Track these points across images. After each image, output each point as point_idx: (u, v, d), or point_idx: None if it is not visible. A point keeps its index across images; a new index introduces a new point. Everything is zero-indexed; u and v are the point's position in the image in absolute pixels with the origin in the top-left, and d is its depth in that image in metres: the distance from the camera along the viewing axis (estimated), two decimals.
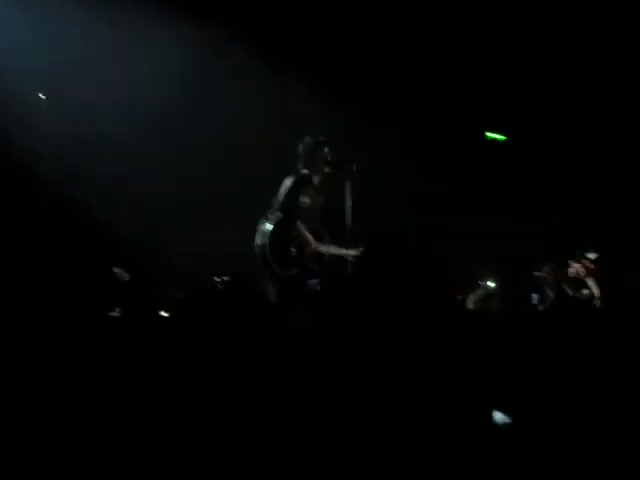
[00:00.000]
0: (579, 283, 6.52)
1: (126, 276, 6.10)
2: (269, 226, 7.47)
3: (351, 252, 7.38)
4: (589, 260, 6.48)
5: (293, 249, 7.54)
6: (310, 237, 7.58)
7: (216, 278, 6.46)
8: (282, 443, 2.98)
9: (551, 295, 6.32)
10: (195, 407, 3.39)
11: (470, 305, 6.51)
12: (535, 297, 6.80)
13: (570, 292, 6.37)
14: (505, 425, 2.90)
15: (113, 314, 5.04)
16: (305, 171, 7.71)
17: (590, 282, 6.44)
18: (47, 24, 8.91)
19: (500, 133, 9.85)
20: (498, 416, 2.89)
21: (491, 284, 7.17)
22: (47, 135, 8.55)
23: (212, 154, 9.46)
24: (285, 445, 2.94)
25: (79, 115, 8.96)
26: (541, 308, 6.51)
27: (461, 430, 2.74)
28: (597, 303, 6.33)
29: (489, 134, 9.84)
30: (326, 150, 7.67)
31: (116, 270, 6.22)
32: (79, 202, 8.88)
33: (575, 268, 6.49)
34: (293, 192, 7.57)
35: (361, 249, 7.41)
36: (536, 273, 6.45)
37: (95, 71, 9.06)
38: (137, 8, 9.05)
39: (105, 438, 3.34)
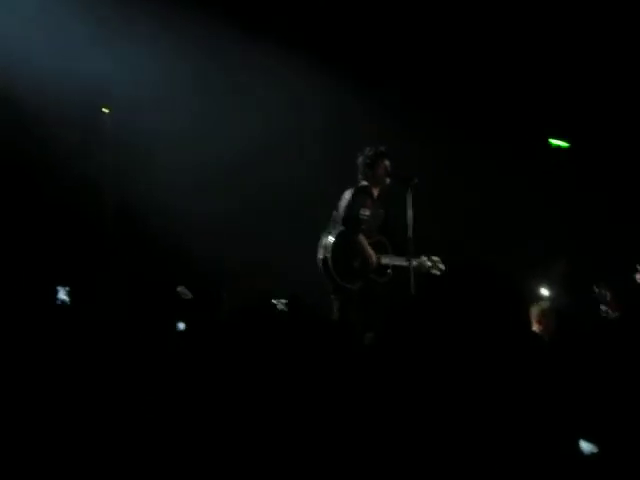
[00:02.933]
0: None
1: (189, 294, 6.13)
2: (331, 239, 7.36)
3: (413, 263, 7.25)
4: None
5: (356, 262, 7.39)
6: (371, 249, 7.44)
7: (274, 301, 6.42)
8: (348, 456, 2.95)
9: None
10: (257, 418, 3.39)
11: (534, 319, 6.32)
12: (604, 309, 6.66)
13: None
14: (592, 454, 2.79)
15: (177, 330, 5.08)
16: (365, 183, 7.58)
17: None
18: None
19: (564, 140, 9.69)
20: (585, 445, 2.79)
21: (547, 293, 7.01)
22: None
23: (274, 172, 9.49)
24: (351, 457, 2.92)
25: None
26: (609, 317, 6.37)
27: (545, 461, 2.62)
28: None
29: (553, 141, 9.70)
30: (386, 161, 7.53)
31: (179, 289, 6.25)
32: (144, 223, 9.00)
33: None
34: (353, 205, 7.43)
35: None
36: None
37: None
38: None
39: (172, 449, 3.37)
